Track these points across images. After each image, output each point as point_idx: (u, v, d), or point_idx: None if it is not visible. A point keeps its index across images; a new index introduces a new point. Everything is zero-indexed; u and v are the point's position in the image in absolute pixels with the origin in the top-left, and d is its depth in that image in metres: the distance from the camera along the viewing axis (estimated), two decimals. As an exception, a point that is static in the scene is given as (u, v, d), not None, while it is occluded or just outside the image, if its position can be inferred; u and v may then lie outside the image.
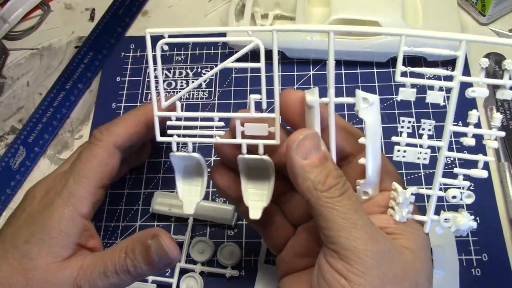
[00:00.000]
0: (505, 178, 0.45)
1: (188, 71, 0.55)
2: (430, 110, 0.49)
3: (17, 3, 0.61)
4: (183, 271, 0.43)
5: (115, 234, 0.46)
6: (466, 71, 0.51)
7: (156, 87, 0.30)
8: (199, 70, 0.55)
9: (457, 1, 0.53)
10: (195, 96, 0.53)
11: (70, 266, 0.33)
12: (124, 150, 0.39)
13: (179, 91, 0.53)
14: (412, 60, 0.52)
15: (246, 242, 0.44)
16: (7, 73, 0.58)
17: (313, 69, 0.53)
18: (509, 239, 0.43)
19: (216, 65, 0.54)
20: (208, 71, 0.55)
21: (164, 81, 0.55)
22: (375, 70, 0.52)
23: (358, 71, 0.53)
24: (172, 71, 0.55)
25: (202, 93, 0.53)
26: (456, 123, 0.48)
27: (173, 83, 0.54)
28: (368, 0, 0.49)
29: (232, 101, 0.52)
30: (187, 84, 0.54)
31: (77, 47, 0.59)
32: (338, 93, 0.52)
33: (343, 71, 0.53)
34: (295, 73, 0.53)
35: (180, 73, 0.55)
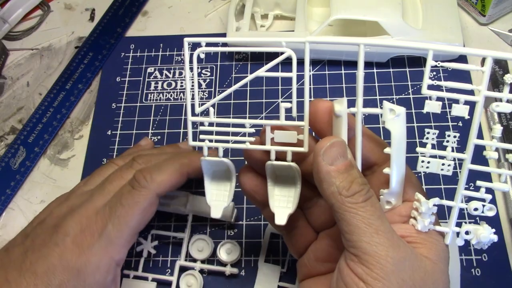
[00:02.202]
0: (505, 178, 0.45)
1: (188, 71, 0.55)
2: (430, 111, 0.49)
3: (17, 3, 0.61)
4: (183, 269, 0.43)
5: (115, 234, 0.46)
6: (466, 71, 0.51)
7: (192, 92, 0.31)
8: (199, 70, 0.55)
9: (457, 1, 0.53)
10: (194, 96, 0.53)
11: None
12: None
13: (179, 91, 0.54)
14: (412, 60, 0.52)
15: (246, 242, 0.44)
16: (7, 73, 0.58)
17: (313, 69, 0.53)
18: (509, 239, 0.43)
19: (216, 65, 0.55)
20: (208, 71, 0.55)
21: (164, 81, 0.55)
22: (375, 70, 0.52)
23: (358, 71, 0.52)
24: (172, 71, 0.55)
25: (202, 93, 0.53)
26: (455, 123, 0.48)
27: (173, 83, 0.54)
28: (368, 0, 0.49)
29: (232, 101, 0.52)
30: (187, 84, 0.54)
31: (77, 47, 0.59)
32: (338, 93, 0.52)
33: (343, 71, 0.53)
34: (297, 74, 0.53)
35: (180, 73, 0.55)
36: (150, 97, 0.54)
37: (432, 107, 0.27)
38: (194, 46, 0.30)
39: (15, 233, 0.39)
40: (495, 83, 0.50)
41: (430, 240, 0.28)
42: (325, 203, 0.28)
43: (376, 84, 0.52)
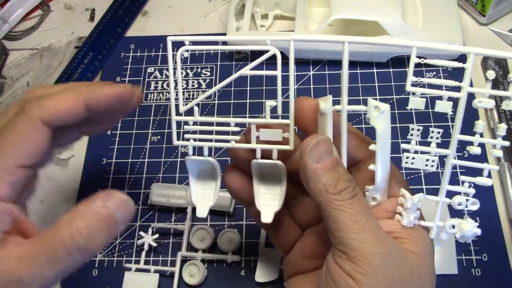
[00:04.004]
0: (505, 178, 0.45)
1: (188, 71, 0.55)
2: (430, 111, 0.49)
3: (17, 3, 0.61)
4: (184, 260, 0.43)
5: (115, 234, 0.46)
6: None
7: (176, 92, 0.31)
8: (199, 70, 0.55)
9: (457, 1, 0.53)
10: (195, 97, 0.53)
11: (3, 260, 0.28)
12: (56, 129, 0.33)
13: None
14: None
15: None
16: (7, 73, 0.58)
17: (313, 69, 0.53)
18: (509, 239, 0.43)
19: (216, 65, 0.55)
20: (208, 71, 0.55)
21: (164, 81, 0.55)
22: (375, 70, 0.52)
23: (358, 71, 0.53)
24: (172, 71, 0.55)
25: (202, 93, 0.53)
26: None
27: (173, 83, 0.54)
28: (368, 0, 0.49)
29: (232, 101, 0.52)
30: (187, 84, 0.54)
31: (77, 47, 0.59)
32: (338, 93, 0.52)
33: (343, 71, 0.53)
34: (295, 73, 0.53)
35: (181, 73, 0.55)
36: (150, 97, 0.54)
37: (416, 103, 0.28)
38: (179, 45, 0.30)
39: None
40: (495, 82, 0.50)
41: (416, 235, 0.29)
42: (311, 201, 0.27)
43: (376, 84, 0.52)
